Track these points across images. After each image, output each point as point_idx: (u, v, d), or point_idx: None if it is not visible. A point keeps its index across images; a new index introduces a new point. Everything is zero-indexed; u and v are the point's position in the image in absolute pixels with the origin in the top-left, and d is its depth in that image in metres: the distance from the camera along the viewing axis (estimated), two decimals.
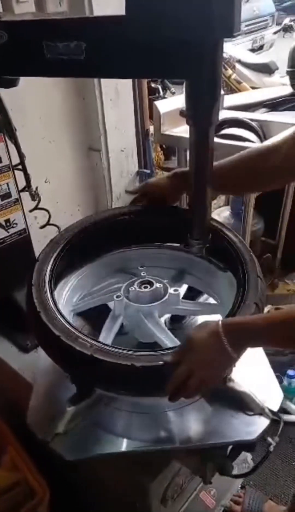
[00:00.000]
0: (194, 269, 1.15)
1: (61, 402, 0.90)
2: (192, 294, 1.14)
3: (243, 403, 0.90)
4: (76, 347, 0.77)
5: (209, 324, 0.76)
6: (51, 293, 0.90)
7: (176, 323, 1.10)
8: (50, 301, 0.88)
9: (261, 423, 0.88)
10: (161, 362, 0.76)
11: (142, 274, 1.05)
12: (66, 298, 1.03)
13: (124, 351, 0.78)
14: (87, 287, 1.12)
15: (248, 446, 0.92)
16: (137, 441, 0.88)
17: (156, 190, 1.09)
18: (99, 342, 0.82)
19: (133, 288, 0.99)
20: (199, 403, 0.93)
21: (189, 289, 1.14)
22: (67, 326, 0.82)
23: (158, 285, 1.01)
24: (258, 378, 0.97)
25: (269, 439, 0.90)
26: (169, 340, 0.91)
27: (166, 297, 0.99)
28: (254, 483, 1.52)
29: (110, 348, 0.79)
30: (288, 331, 0.73)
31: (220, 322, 0.75)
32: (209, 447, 0.88)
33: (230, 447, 0.93)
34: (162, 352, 0.80)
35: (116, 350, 0.78)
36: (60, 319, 0.84)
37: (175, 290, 1.01)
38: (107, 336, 0.96)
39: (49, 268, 0.95)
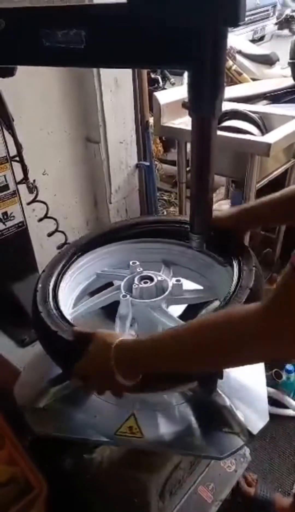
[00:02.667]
0: (183, 260, 1.14)
1: (45, 381, 0.97)
2: None
3: (222, 419, 0.86)
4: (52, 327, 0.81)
5: (107, 341, 0.73)
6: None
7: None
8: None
9: (234, 443, 0.83)
10: None
11: (138, 270, 1.04)
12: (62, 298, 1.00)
13: None
14: (81, 287, 1.10)
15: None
16: (104, 431, 0.89)
17: (221, 224, 0.98)
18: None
19: (136, 285, 0.98)
20: (175, 408, 0.92)
21: None
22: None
23: (158, 278, 1.01)
24: (250, 396, 0.93)
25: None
26: None
27: (170, 288, 0.99)
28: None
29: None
30: (176, 346, 0.67)
31: (114, 345, 0.71)
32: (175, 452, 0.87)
33: None
34: None
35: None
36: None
37: (177, 281, 1.01)
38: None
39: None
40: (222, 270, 1.01)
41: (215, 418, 0.87)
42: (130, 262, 1.07)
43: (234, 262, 0.94)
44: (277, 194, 0.96)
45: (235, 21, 0.65)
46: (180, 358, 0.69)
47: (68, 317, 0.90)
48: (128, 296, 0.97)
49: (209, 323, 0.66)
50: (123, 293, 0.97)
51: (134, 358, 0.71)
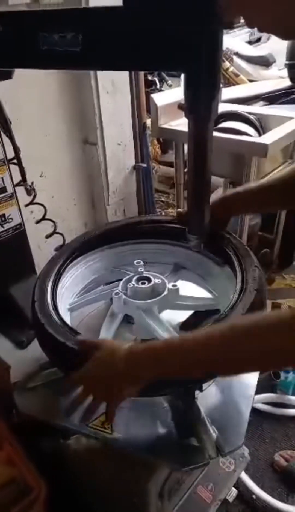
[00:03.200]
0: (192, 264, 1.14)
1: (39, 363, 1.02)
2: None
3: (194, 431, 0.85)
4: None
5: (118, 351, 0.72)
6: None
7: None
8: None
9: (198, 459, 0.81)
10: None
11: (139, 270, 1.04)
12: (63, 294, 1.01)
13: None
14: (83, 283, 1.11)
15: None
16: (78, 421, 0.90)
17: None
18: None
19: (132, 284, 0.98)
20: (155, 412, 0.92)
21: None
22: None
23: (156, 280, 1.00)
24: (231, 416, 0.91)
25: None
26: (170, 336, 0.91)
27: (165, 292, 0.98)
28: (251, 476, 1.53)
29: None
30: (202, 352, 0.66)
31: (124, 349, 0.71)
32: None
33: None
34: None
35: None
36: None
37: (174, 286, 1.00)
38: (106, 334, 0.95)
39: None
40: (228, 279, 1.00)
41: (188, 429, 0.85)
42: (135, 262, 1.07)
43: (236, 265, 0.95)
44: (263, 181, 1.03)
45: (231, 22, 0.65)
46: (204, 364, 0.68)
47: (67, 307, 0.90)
48: (121, 294, 0.96)
49: (241, 332, 0.64)
50: (117, 291, 0.97)
51: (150, 361, 0.70)
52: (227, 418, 0.89)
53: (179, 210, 1.17)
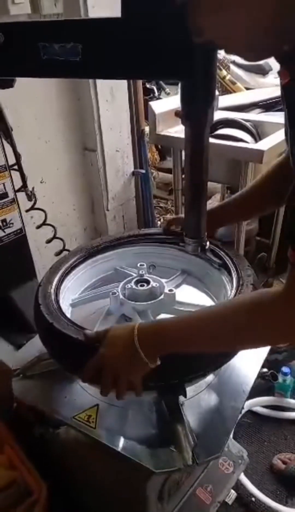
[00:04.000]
0: (193, 269, 1.16)
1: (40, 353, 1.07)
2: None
3: (173, 436, 0.85)
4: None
5: (128, 325, 0.77)
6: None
7: None
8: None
9: (173, 463, 0.82)
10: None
11: (140, 272, 1.06)
12: (66, 292, 1.04)
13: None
14: (87, 282, 1.14)
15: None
16: (65, 412, 0.94)
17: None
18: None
19: (130, 286, 1.00)
20: (141, 412, 0.93)
21: None
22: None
23: (154, 284, 1.01)
24: (215, 425, 0.91)
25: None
26: None
27: (161, 296, 1.00)
28: (250, 479, 1.53)
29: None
30: (208, 326, 0.72)
31: (137, 325, 0.74)
32: None
33: None
34: None
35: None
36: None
37: (170, 290, 1.01)
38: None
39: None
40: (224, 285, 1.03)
41: (168, 432, 0.86)
42: (138, 264, 1.09)
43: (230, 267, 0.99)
44: (243, 191, 1.09)
45: None
46: (209, 337, 0.72)
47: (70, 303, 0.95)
48: (117, 294, 0.98)
49: (241, 307, 0.70)
50: (114, 291, 0.99)
51: (161, 336, 0.73)
52: (210, 428, 0.90)
53: (166, 217, 1.22)
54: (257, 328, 0.67)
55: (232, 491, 1.39)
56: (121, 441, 0.88)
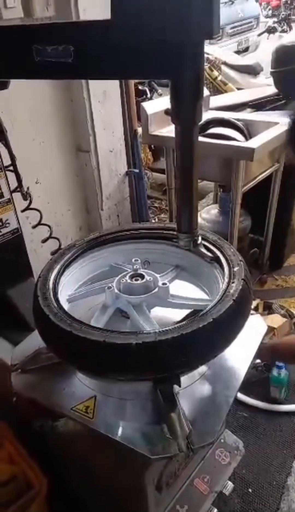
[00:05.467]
0: (186, 263, 1.18)
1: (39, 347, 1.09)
2: None
3: (168, 423, 0.87)
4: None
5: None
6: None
7: None
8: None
9: (168, 449, 0.84)
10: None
11: (135, 267, 1.09)
12: (63, 287, 1.06)
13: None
14: (83, 278, 1.16)
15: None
16: (63, 403, 0.96)
17: None
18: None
19: (124, 280, 1.02)
20: (138, 401, 0.96)
21: None
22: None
23: (148, 278, 1.04)
24: (208, 412, 0.93)
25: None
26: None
27: (155, 290, 1.02)
28: (246, 471, 1.56)
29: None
30: None
31: None
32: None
33: None
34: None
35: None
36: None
37: (164, 284, 1.03)
38: (96, 325, 0.99)
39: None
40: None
41: (164, 421, 0.89)
42: (133, 259, 1.11)
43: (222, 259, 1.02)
44: None
45: (209, 34, 0.71)
46: None
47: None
48: (113, 288, 1.01)
49: None
50: (109, 285, 1.02)
51: None
52: (204, 416, 0.93)
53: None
54: None
55: (229, 482, 1.41)
56: (119, 430, 0.91)
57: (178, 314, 1.06)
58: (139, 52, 0.77)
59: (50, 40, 0.83)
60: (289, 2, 9.15)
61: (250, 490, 1.51)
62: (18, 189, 1.44)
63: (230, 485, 1.45)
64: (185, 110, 0.83)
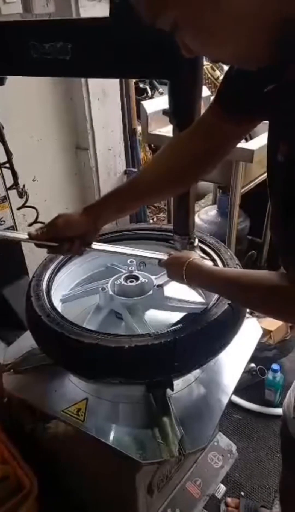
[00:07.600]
0: None
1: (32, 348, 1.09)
2: None
3: (161, 428, 0.87)
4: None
5: (182, 258, 0.87)
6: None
7: None
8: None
9: (158, 455, 0.84)
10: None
11: (130, 269, 1.07)
12: (56, 287, 1.05)
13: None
14: (78, 279, 1.15)
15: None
16: (54, 406, 0.97)
17: (65, 226, 0.95)
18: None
19: (119, 282, 1.01)
20: (130, 405, 0.96)
21: None
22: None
23: (143, 280, 1.03)
24: (201, 417, 0.93)
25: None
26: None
27: (150, 292, 1.01)
28: (239, 474, 1.55)
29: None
30: (226, 291, 0.82)
31: (188, 262, 0.85)
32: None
33: None
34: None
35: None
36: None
37: (159, 286, 1.02)
38: (90, 327, 0.98)
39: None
40: None
41: (156, 425, 0.89)
42: (128, 261, 1.10)
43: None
44: (126, 182, 1.02)
45: None
46: (227, 297, 0.88)
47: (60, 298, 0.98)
48: (107, 289, 1.00)
49: (258, 286, 0.75)
50: (103, 286, 1.00)
51: (198, 275, 0.84)
52: (197, 420, 0.92)
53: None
54: (270, 309, 0.73)
55: (221, 485, 1.41)
56: (110, 434, 0.90)
57: (173, 316, 1.05)
58: (137, 51, 0.76)
59: (48, 37, 0.82)
60: None
61: (242, 493, 1.51)
62: (14, 186, 1.42)
63: (222, 488, 1.44)
64: (183, 110, 0.82)
